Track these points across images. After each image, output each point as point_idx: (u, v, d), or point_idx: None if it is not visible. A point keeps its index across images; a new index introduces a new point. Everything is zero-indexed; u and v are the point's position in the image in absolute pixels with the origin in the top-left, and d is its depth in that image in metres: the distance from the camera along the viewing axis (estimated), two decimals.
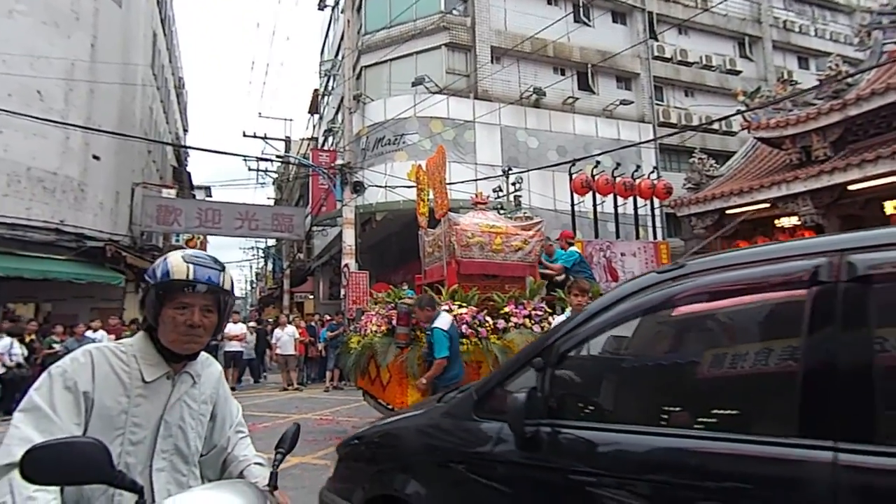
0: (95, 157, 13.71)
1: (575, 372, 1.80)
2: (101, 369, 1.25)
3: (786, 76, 19.04)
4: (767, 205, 12.60)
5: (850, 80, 11.65)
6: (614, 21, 19.00)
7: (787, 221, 12.64)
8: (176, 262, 1.30)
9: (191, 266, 1.30)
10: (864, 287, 1.23)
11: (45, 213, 12.22)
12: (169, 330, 1.29)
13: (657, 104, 18.86)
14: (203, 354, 1.44)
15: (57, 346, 10.11)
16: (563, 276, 7.38)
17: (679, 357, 1.67)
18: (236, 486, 1.33)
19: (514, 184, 13.97)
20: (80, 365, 1.23)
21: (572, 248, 7.93)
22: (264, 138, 17.40)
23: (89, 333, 10.15)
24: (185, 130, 33.19)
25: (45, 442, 1.05)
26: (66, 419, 1.17)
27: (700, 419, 1.49)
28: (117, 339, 11.02)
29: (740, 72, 20.30)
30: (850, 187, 10.97)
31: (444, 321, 4.77)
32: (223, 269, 1.37)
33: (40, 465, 1.01)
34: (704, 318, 1.64)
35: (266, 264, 36.29)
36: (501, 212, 11.30)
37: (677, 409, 1.58)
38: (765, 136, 13.08)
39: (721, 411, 1.48)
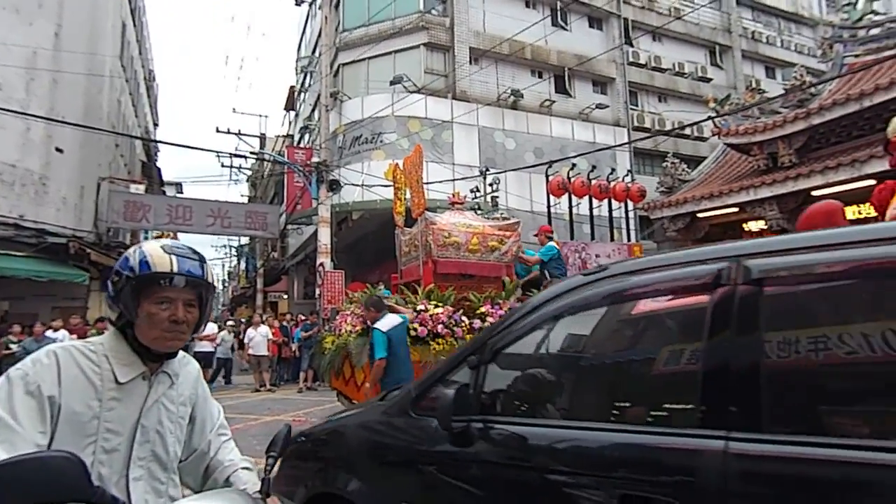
0: (58, 150, 13.21)
1: (506, 369, 1.85)
2: (68, 371, 1.13)
3: (754, 85, 19.65)
4: (736, 209, 12.97)
5: (813, 90, 12.09)
6: (591, 26, 19.28)
7: (754, 225, 13.03)
8: (156, 253, 1.20)
9: (173, 257, 1.21)
10: (757, 289, 1.34)
11: (3, 208, 11.71)
12: (149, 327, 1.19)
13: (632, 109, 19.22)
14: (180, 353, 1.34)
15: (14, 347, 9.68)
16: (537, 275, 7.44)
17: (599, 355, 1.73)
18: (227, 496, 1.24)
19: (491, 184, 14.03)
20: (43, 367, 1.11)
21: (551, 243, 7.98)
22: (238, 134, 17.07)
23: (49, 333, 9.74)
24: (156, 125, 32.31)
25: (10, 459, 0.92)
26: (30, 427, 1.05)
27: (616, 413, 1.59)
28: (80, 339, 10.67)
29: (711, 79, 20.86)
30: (814, 193, 11.37)
31: (385, 322, 4.80)
32: (204, 260, 1.29)
33: (6, 486, 0.88)
34: (622, 319, 1.71)
35: (239, 263, 35.62)
36: (478, 212, 11.33)
37: (598, 404, 1.65)
38: (734, 142, 13.46)
39: (636, 406, 1.56)
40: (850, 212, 11.33)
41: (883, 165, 9.01)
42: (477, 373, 1.82)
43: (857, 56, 12.52)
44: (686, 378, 1.43)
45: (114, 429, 1.17)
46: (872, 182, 9.85)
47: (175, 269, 1.20)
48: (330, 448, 2.37)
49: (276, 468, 1.33)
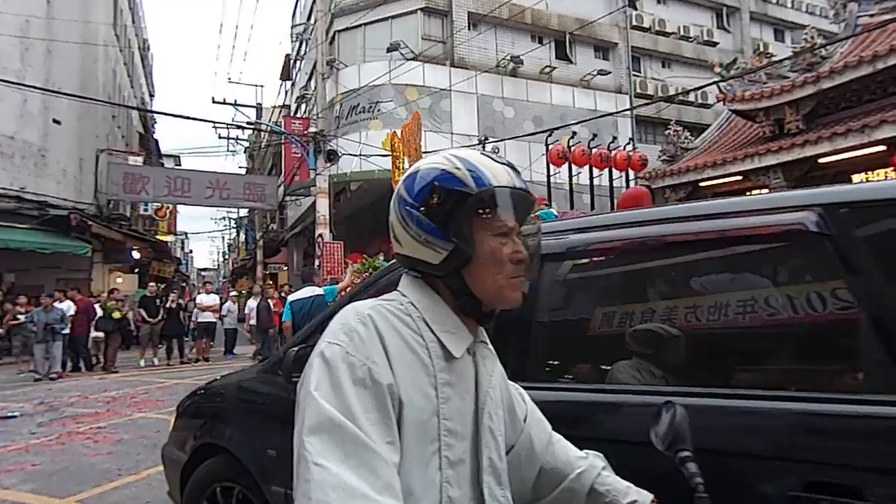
0: (56, 122, 13.10)
1: None
2: (393, 344, 0.78)
3: (762, 48, 19.11)
4: (740, 177, 12.80)
5: (824, 52, 11.75)
6: None
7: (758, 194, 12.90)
8: (487, 163, 0.86)
9: (509, 169, 0.88)
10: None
11: (4, 180, 11.70)
12: (491, 270, 0.83)
13: (634, 75, 18.78)
14: None
15: (22, 318, 9.80)
16: None
17: None
18: None
19: (490, 154, 13.88)
20: (363, 339, 0.76)
21: (549, 209, 7.91)
22: (234, 105, 16.82)
23: (57, 305, 9.83)
24: (152, 95, 31.88)
25: None
26: (379, 440, 0.70)
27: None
28: (83, 311, 10.83)
29: (717, 43, 20.28)
30: (821, 160, 11.19)
31: (298, 293, 5.78)
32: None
33: None
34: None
35: (238, 235, 35.70)
36: None
37: None
38: (739, 108, 13.18)
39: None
40: (859, 179, 11.18)
41: (895, 131, 8.83)
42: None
43: (871, 16, 12.09)
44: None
45: (454, 429, 0.81)
46: (882, 148, 9.69)
47: (517, 183, 0.87)
48: (214, 404, 2.67)
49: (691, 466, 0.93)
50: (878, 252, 1.23)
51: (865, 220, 1.27)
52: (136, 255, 16.77)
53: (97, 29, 15.87)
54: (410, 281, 0.88)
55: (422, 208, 0.83)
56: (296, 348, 2.06)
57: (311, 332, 2.26)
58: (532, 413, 1.06)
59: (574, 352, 1.71)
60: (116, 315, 10.85)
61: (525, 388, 1.12)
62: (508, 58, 16.41)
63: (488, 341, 0.96)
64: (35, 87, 11.67)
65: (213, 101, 16.53)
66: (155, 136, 28.19)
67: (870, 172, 10.79)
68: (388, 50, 15.03)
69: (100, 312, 10.73)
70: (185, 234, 37.43)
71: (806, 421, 1.16)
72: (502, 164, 0.88)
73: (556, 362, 1.73)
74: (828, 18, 16.44)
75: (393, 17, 15.81)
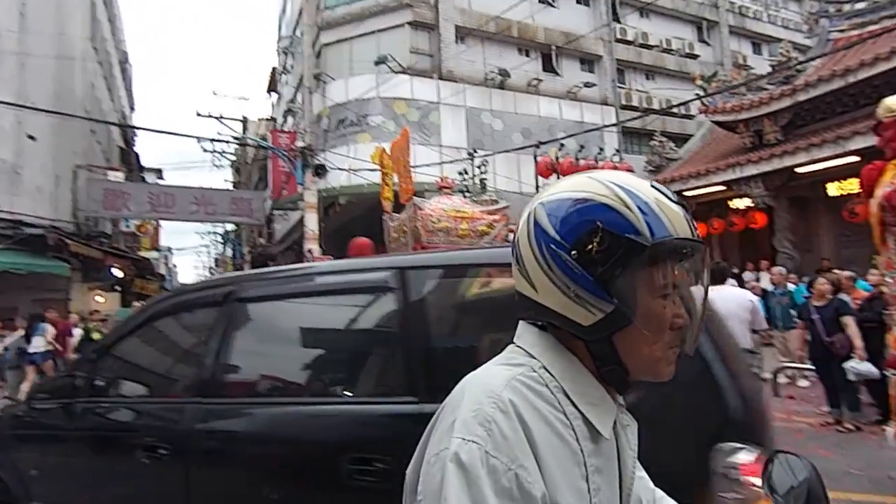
0: (31, 138, 12.77)
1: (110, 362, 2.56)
2: (540, 435, 0.61)
3: (741, 61, 19.59)
4: (723, 187, 13.00)
5: (799, 66, 12.06)
6: (578, 2, 18.98)
7: (740, 203, 13.09)
8: (664, 204, 0.67)
9: (686, 215, 0.69)
10: (243, 306, 2.18)
11: None
12: (650, 339, 0.66)
13: (619, 87, 19.07)
14: None
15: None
16: None
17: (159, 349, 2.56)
18: None
19: (479, 166, 13.90)
20: (507, 434, 0.59)
21: None
22: (219, 118, 16.62)
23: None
24: (132, 109, 31.43)
25: None
26: None
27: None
28: (62, 333, 10.48)
29: (698, 56, 20.74)
30: (798, 170, 11.42)
31: None
32: None
33: None
34: (162, 326, 2.54)
35: (225, 250, 35.18)
36: (467, 195, 11.23)
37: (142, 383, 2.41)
38: (721, 119, 13.44)
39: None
40: (833, 188, 11.44)
41: (866, 142, 9.04)
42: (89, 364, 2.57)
43: (842, 31, 12.47)
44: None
45: None
46: (856, 159, 9.92)
47: (695, 233, 0.69)
48: None
49: None
50: (426, 300, 1.81)
51: (419, 278, 1.84)
52: (117, 272, 16.38)
53: (73, 41, 15.59)
54: (540, 338, 0.70)
55: (573, 252, 0.65)
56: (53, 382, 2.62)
57: (71, 369, 2.76)
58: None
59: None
60: (97, 336, 10.54)
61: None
62: (496, 70, 16.54)
63: (624, 404, 0.76)
64: (7, 103, 11.38)
65: (198, 115, 16.31)
66: (136, 150, 27.74)
67: (843, 181, 11.05)
68: (376, 63, 15.04)
69: (80, 333, 10.41)
70: (169, 249, 36.84)
71: (356, 417, 1.79)
72: (676, 202, 0.69)
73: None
74: (802, 32, 16.94)
75: (380, 31, 15.86)
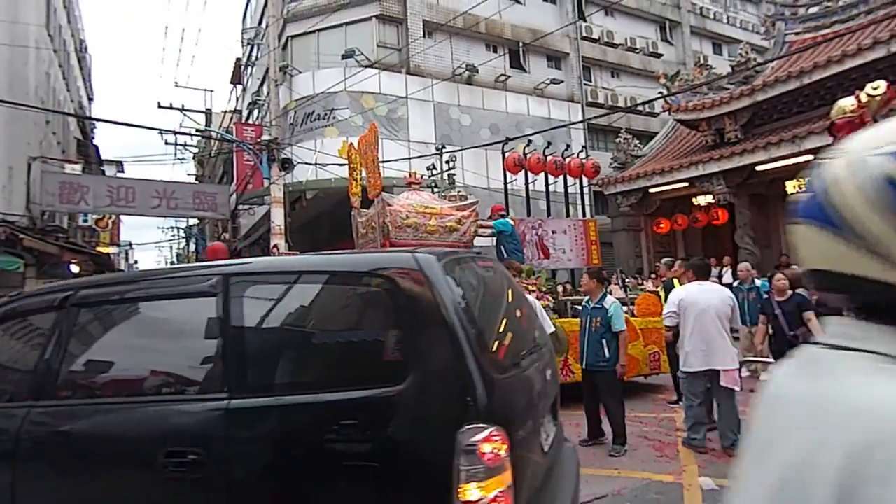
0: None
1: None
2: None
3: (702, 61, 20.12)
4: (686, 184, 13.40)
5: (758, 67, 12.50)
6: (544, 0, 19.15)
7: (703, 200, 13.52)
8: None
9: None
10: (79, 310, 2.22)
11: None
12: None
13: (586, 84, 19.37)
14: None
15: None
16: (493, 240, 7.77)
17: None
18: None
19: (447, 162, 13.92)
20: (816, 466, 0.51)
21: (505, 219, 8.10)
22: (182, 110, 16.13)
23: None
24: (91, 99, 30.17)
25: None
26: None
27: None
28: None
29: (662, 55, 21.23)
30: (758, 168, 11.86)
31: None
32: None
33: None
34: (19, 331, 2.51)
35: (188, 245, 34.24)
36: (435, 190, 11.24)
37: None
38: (683, 118, 13.82)
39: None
40: (791, 186, 11.92)
41: (822, 141, 9.47)
42: None
43: (797, 34, 12.98)
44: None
45: None
46: (811, 157, 10.37)
47: None
48: None
49: None
50: (243, 304, 1.97)
51: (239, 284, 2.01)
52: (74, 268, 15.76)
53: (27, 29, 14.86)
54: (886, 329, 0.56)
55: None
56: None
57: None
58: None
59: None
60: None
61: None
62: (464, 66, 16.56)
63: None
64: None
65: (159, 106, 15.80)
66: (95, 141, 26.66)
67: (801, 179, 11.53)
68: (343, 57, 14.85)
69: None
70: (130, 244, 35.56)
71: (173, 413, 1.91)
72: None
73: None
74: (760, 34, 17.54)
75: (347, 23, 15.66)
